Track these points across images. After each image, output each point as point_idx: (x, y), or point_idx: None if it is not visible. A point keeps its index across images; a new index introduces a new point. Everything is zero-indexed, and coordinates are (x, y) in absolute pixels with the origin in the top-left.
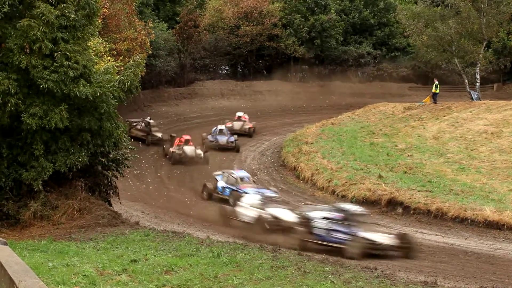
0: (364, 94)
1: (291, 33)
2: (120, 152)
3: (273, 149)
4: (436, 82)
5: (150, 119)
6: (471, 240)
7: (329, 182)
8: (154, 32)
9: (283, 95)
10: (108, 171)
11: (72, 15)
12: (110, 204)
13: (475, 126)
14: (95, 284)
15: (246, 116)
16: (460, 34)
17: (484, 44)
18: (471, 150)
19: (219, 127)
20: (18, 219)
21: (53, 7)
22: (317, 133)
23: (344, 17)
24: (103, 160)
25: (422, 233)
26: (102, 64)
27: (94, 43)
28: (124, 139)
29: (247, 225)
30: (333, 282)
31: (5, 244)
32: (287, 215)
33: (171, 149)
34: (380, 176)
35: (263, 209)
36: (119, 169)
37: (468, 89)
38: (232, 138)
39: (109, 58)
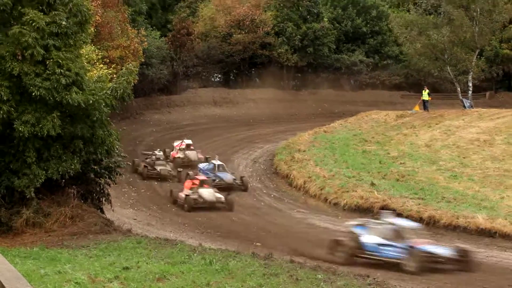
0: (357, 102)
1: (283, 41)
2: (113, 159)
3: (266, 156)
4: (427, 90)
5: (159, 151)
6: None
7: (321, 189)
8: (146, 40)
9: (276, 103)
10: (101, 179)
11: (64, 22)
12: (102, 212)
13: (467, 134)
14: None
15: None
16: (453, 43)
17: (477, 52)
18: (464, 158)
19: (216, 162)
20: (10, 227)
21: (44, 14)
22: (310, 141)
23: (337, 25)
24: (95, 167)
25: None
26: (94, 72)
27: (86, 51)
28: (117, 146)
29: None
30: None
31: None
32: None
33: (182, 194)
34: (372, 184)
35: None
36: (111, 176)
37: (461, 97)
38: (232, 176)
39: (101, 65)
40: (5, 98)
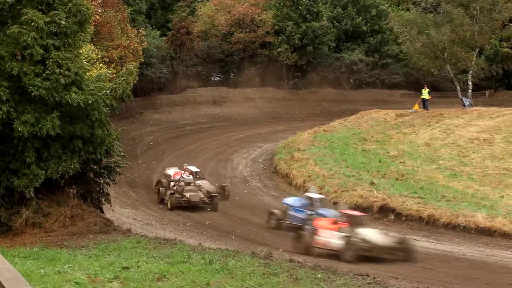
0: (356, 101)
1: (283, 40)
2: (112, 159)
3: (265, 156)
4: (427, 89)
5: (188, 174)
6: (463, 247)
7: (321, 188)
8: (146, 39)
9: (276, 102)
10: (100, 178)
11: (63, 22)
12: (102, 211)
13: (467, 133)
14: None
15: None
16: (453, 41)
17: (477, 51)
18: (463, 156)
19: (315, 195)
20: (10, 227)
21: (43, 14)
22: (309, 140)
23: (337, 24)
24: (95, 167)
25: (414, 239)
26: (94, 71)
27: (86, 50)
28: (116, 146)
29: None
30: None
31: None
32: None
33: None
34: (372, 183)
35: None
36: (111, 176)
37: (460, 96)
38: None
39: (101, 65)
40: (4, 98)
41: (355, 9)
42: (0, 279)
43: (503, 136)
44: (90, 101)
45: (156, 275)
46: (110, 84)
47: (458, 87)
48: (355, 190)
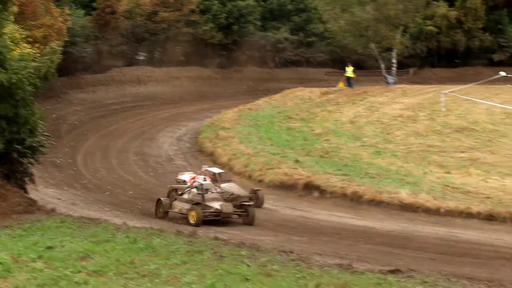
0: (282, 79)
1: (209, 19)
2: (36, 139)
3: (190, 134)
4: (351, 67)
5: (204, 179)
6: (387, 223)
7: (246, 167)
8: (71, 19)
9: (201, 81)
10: (24, 158)
11: None
12: (26, 191)
13: (391, 110)
14: (10, 272)
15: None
16: (377, 20)
17: (401, 29)
18: (387, 134)
19: None
20: None
21: None
22: (234, 119)
23: (262, 3)
24: (18, 147)
25: (339, 216)
26: (18, 51)
27: (9, 30)
28: (40, 126)
29: None
30: (249, 265)
31: None
32: None
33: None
34: (296, 161)
35: None
36: (34, 156)
37: (384, 74)
38: None
39: (25, 45)
40: None
41: None
42: None
43: (426, 113)
44: (14, 80)
45: (80, 254)
46: (34, 63)
47: (382, 65)
48: (280, 168)
